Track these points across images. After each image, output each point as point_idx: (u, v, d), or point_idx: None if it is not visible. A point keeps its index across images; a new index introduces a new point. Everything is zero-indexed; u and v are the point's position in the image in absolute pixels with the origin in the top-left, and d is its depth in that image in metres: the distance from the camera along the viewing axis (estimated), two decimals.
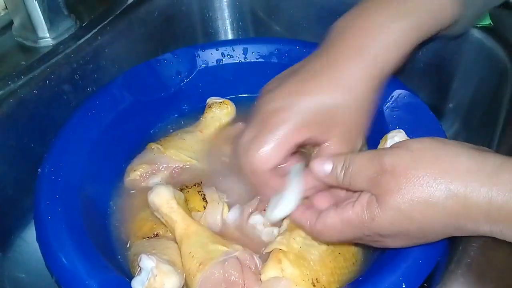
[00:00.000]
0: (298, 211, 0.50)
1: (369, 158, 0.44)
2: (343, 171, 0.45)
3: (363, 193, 0.44)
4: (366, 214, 0.43)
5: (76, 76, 0.69)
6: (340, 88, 0.52)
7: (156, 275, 0.47)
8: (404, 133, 0.58)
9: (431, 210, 0.40)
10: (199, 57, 0.74)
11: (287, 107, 0.52)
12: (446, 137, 0.59)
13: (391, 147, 0.46)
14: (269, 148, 0.51)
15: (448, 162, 0.40)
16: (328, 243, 0.53)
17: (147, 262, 0.48)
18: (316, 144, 0.55)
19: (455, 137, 0.72)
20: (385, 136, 0.59)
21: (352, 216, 0.44)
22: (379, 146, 0.59)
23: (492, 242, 0.42)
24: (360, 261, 0.56)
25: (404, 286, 0.44)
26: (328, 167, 0.47)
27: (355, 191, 0.47)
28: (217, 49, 0.74)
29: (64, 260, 0.49)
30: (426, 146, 0.42)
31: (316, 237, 0.50)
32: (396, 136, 0.58)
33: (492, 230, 0.40)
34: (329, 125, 0.52)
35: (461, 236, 0.43)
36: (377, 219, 0.42)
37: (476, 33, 0.69)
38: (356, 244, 0.55)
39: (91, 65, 0.71)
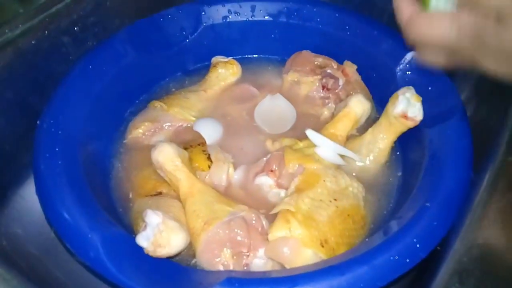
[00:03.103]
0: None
1: None
2: None
3: None
4: (483, 21, 0.38)
5: (76, 28, 0.66)
6: None
7: (162, 231, 0.45)
8: (414, 89, 0.56)
9: None
10: (205, 14, 0.71)
11: None
12: (461, 102, 0.58)
13: None
14: None
15: None
16: (415, 45, 0.45)
17: (153, 218, 0.46)
18: None
19: (466, 104, 0.71)
20: (395, 94, 0.57)
21: (467, 18, 0.39)
22: (388, 105, 0.58)
23: None
24: (369, 225, 0.55)
25: (418, 247, 0.43)
26: None
27: None
28: (223, 6, 0.71)
29: (65, 214, 0.47)
30: None
31: (410, 31, 0.43)
32: (407, 92, 0.56)
33: None
34: None
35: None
36: (493, 29, 0.37)
37: None
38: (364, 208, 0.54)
39: (91, 18, 0.67)
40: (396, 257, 0.43)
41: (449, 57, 0.43)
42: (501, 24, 0.37)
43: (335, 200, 0.53)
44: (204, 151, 0.60)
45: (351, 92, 0.67)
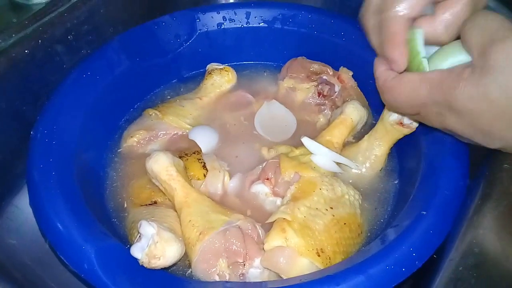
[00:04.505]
0: (382, 66, 0.46)
1: (499, 20, 0.37)
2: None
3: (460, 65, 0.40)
4: (451, 79, 0.38)
5: (70, 37, 0.65)
6: None
7: (157, 242, 0.45)
8: None
9: None
10: (199, 21, 0.71)
11: None
12: None
13: None
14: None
15: None
16: (388, 107, 0.49)
17: (148, 229, 0.46)
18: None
19: None
20: None
21: (435, 76, 0.40)
22: (384, 112, 0.57)
23: None
24: (365, 233, 0.55)
25: (414, 256, 0.42)
26: None
27: None
28: (218, 13, 0.71)
29: (59, 225, 0.47)
30: None
31: (383, 94, 0.46)
32: None
33: None
34: None
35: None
36: (459, 89, 0.37)
37: (490, 2, 0.64)
38: (361, 216, 0.54)
39: (85, 26, 0.67)
40: (392, 266, 0.42)
41: (420, 115, 0.43)
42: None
43: (332, 208, 0.52)
44: (199, 159, 0.60)
45: (347, 99, 0.67)
